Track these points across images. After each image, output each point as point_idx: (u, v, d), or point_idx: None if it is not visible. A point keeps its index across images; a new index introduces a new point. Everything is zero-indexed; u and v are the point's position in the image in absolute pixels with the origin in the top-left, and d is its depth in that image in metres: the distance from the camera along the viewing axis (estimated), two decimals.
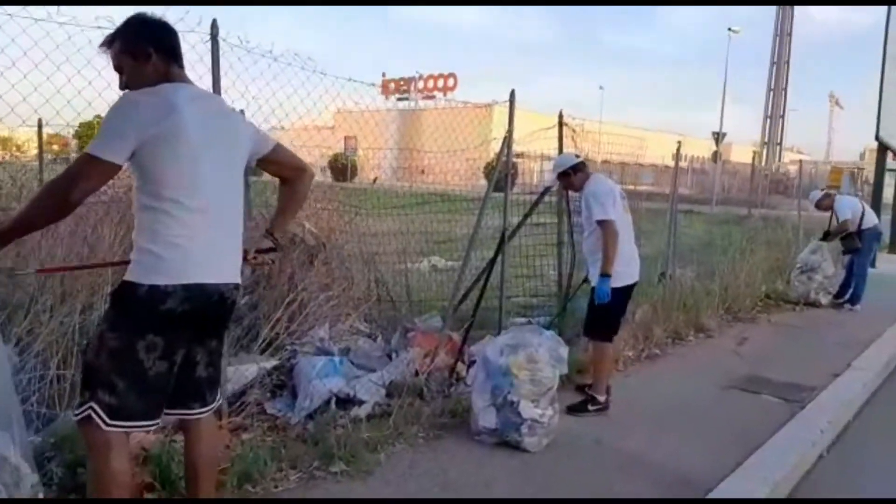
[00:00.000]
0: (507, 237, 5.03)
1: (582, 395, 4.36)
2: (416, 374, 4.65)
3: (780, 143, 50.55)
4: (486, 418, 3.57)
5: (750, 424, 4.14)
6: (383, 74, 64.12)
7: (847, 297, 8.06)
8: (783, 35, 49.64)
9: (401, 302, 6.26)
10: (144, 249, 2.08)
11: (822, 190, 8.78)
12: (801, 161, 16.92)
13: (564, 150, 5.29)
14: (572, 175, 4.25)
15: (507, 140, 4.86)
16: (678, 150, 6.58)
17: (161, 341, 2.09)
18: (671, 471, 3.46)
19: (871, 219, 7.94)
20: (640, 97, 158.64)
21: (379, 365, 5.07)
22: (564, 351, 3.67)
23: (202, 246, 2.12)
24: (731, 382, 4.99)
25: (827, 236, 8.24)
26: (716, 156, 29.93)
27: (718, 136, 30.23)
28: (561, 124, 5.20)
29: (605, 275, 3.98)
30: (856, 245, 7.94)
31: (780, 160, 46.74)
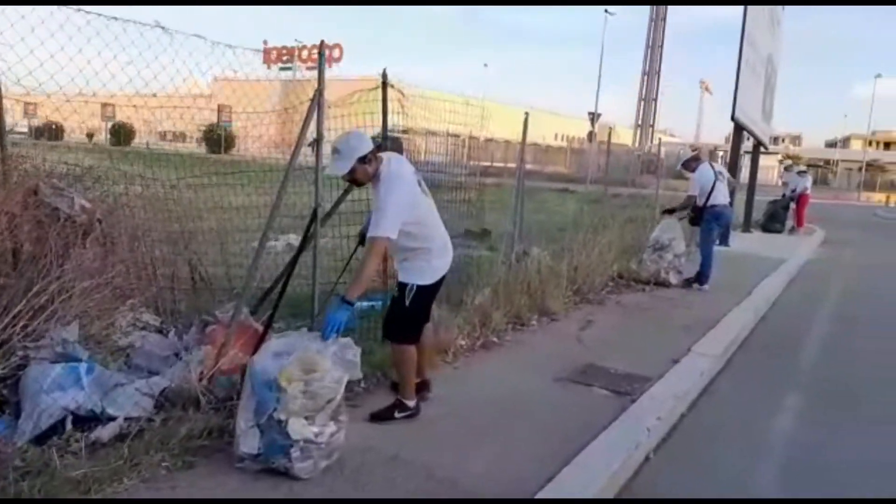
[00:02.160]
0: (318, 216, 4.31)
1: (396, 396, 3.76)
2: (201, 377, 3.90)
3: (653, 125, 52.74)
4: (248, 442, 2.86)
5: (576, 424, 3.70)
6: (265, 42, 61.21)
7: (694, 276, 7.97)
8: (657, 20, 51.55)
9: (222, 289, 5.46)
10: None
11: (694, 150, 8.56)
12: (660, 139, 17.25)
13: (391, 118, 4.63)
14: (369, 163, 3.33)
15: (318, 100, 4.12)
16: (525, 123, 6.07)
17: None
18: (478, 490, 2.91)
19: (717, 198, 7.78)
20: (528, 77, 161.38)
21: (164, 367, 4.27)
22: (353, 353, 3.01)
23: None
24: (566, 373, 4.56)
25: (672, 212, 8.11)
26: (590, 135, 30.52)
27: (594, 116, 30.82)
28: (385, 87, 4.51)
29: (347, 301, 3.14)
30: (696, 221, 7.86)
31: (652, 141, 48.70)
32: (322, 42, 4.14)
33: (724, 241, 12.22)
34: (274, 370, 2.86)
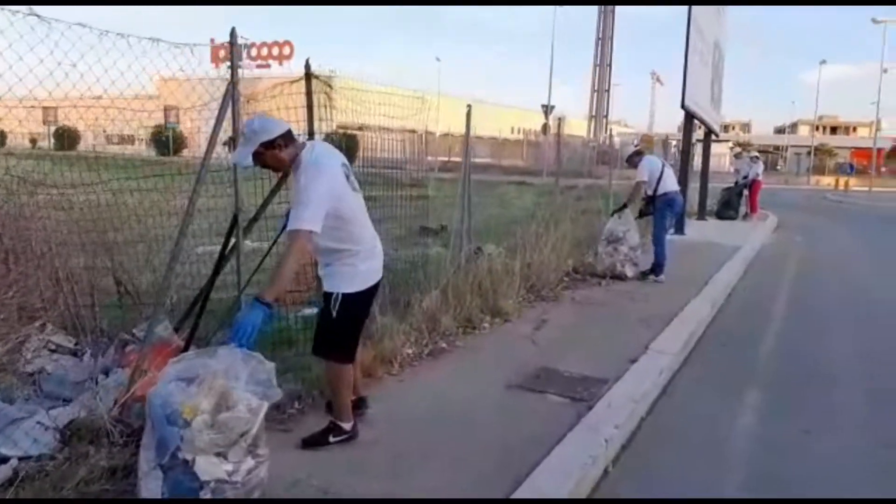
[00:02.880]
0: (239, 221, 3.93)
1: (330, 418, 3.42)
2: (114, 405, 3.52)
3: (607, 116, 53.02)
4: (150, 485, 2.48)
5: (529, 438, 3.41)
6: (212, 40, 59.56)
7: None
8: (606, 12, 51.78)
9: (151, 303, 5.02)
10: None
11: (636, 146, 8.38)
12: (610, 130, 17.19)
13: (317, 111, 4.27)
14: (279, 149, 2.97)
15: (232, 93, 3.75)
16: (468, 115, 5.77)
17: None
18: None
19: (667, 185, 7.63)
20: (486, 73, 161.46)
21: (77, 393, 3.86)
22: (267, 370, 2.64)
23: None
24: (519, 379, 4.28)
25: (624, 207, 7.90)
26: (545, 128, 30.47)
27: (547, 109, 30.77)
28: (308, 77, 4.14)
29: (263, 301, 2.71)
30: (648, 211, 7.70)
31: (606, 132, 49.00)
32: (233, 30, 3.76)
33: (679, 229, 12.17)
34: (176, 401, 2.49)
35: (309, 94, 4.12)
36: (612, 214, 7.92)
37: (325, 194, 2.90)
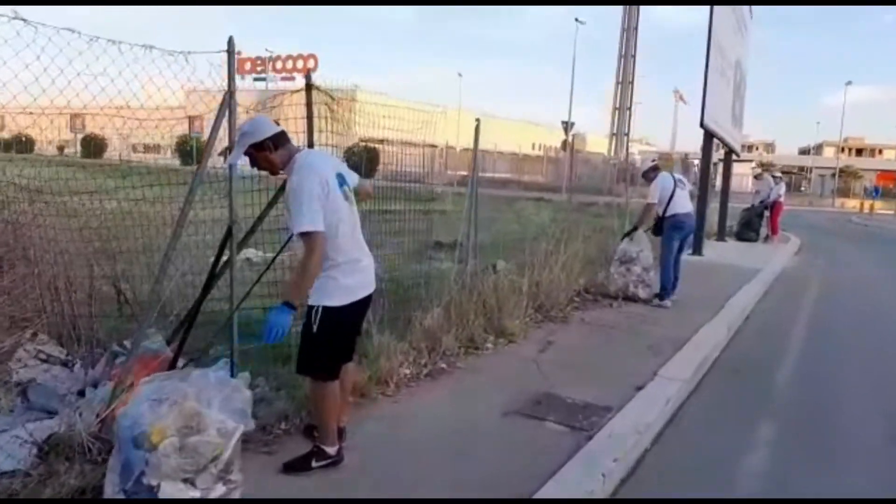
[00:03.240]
0: (233, 232, 3.82)
1: (313, 442, 3.28)
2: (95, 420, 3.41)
3: (628, 134, 52.68)
4: None
5: (523, 469, 3.24)
6: (238, 53, 60.33)
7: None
8: (629, 30, 51.57)
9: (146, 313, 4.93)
10: None
11: (653, 161, 8.08)
12: (626, 147, 17.00)
13: (317, 124, 4.17)
14: (269, 150, 2.95)
15: (229, 102, 3.65)
16: (477, 128, 5.63)
17: None
18: None
19: (676, 206, 7.33)
20: (505, 89, 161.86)
21: (64, 406, 3.77)
22: (242, 399, 2.53)
23: None
24: (518, 405, 4.11)
25: (634, 230, 7.67)
26: (565, 144, 30.28)
27: (568, 126, 30.61)
28: (309, 89, 4.05)
29: (290, 304, 2.78)
30: (658, 231, 7.49)
31: (627, 150, 48.57)
32: (231, 40, 3.68)
33: (697, 250, 11.93)
34: (146, 421, 2.37)
35: (309, 105, 4.02)
36: (623, 238, 7.70)
37: (315, 196, 2.82)
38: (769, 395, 4.97)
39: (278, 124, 3.15)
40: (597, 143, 50.83)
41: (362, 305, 3.13)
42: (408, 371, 4.48)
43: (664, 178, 7.42)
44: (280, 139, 2.96)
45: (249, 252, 6.60)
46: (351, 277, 3.02)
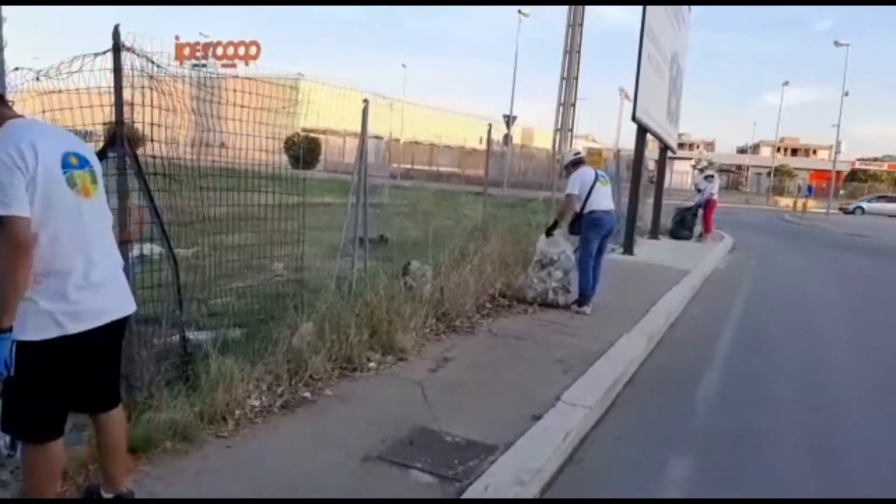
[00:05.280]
0: None
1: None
2: None
3: (572, 130, 52.78)
4: None
5: None
6: (177, 37, 57.88)
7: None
8: (574, 26, 51.64)
9: None
10: None
11: (577, 154, 7.29)
12: (555, 142, 16.54)
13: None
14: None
15: None
16: (365, 112, 4.84)
17: None
18: None
19: (594, 202, 6.65)
20: (457, 84, 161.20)
21: None
22: None
23: None
24: (385, 446, 3.37)
25: (555, 227, 6.92)
26: (506, 138, 29.78)
27: (509, 119, 30.09)
28: (117, 51, 3.19)
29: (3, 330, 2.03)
30: (575, 230, 6.85)
31: (571, 146, 48.51)
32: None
33: (628, 249, 11.45)
34: None
35: (118, 71, 3.17)
36: (547, 234, 6.99)
37: (17, 170, 2.03)
38: (687, 419, 4.38)
39: None
40: (545, 138, 50.54)
41: (98, 337, 2.29)
42: (257, 403, 3.69)
43: (584, 172, 6.79)
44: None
45: (146, 246, 5.66)
46: (57, 303, 2.16)
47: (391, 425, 3.62)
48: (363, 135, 4.82)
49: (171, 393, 3.41)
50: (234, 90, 4.34)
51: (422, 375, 4.49)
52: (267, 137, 4.45)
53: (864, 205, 43.18)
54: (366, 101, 4.83)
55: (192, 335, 4.05)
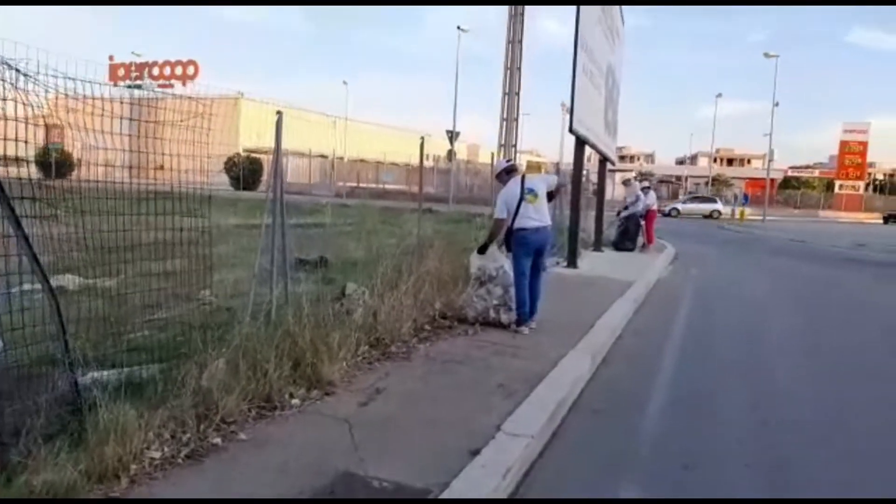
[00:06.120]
0: None
1: None
2: None
3: (515, 145, 53.18)
4: None
5: None
6: (110, 57, 56.04)
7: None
8: (514, 42, 52.24)
9: None
10: None
11: (509, 161, 6.86)
12: (492, 155, 16.48)
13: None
14: None
15: None
16: (278, 128, 4.46)
17: None
18: None
19: (525, 218, 6.29)
20: (404, 99, 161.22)
21: None
22: None
23: None
24: (302, 497, 2.98)
25: (486, 247, 6.57)
26: (450, 154, 29.72)
27: (452, 135, 30.03)
28: None
29: None
30: (508, 246, 6.57)
31: (516, 161, 48.83)
32: None
33: (571, 262, 11.31)
34: None
35: None
36: (480, 252, 6.69)
37: None
38: (636, 445, 4.11)
39: None
40: (487, 153, 50.67)
41: None
42: (157, 454, 3.25)
43: (510, 190, 6.45)
44: None
45: (67, 277, 5.12)
46: None
47: (310, 473, 3.23)
48: (277, 151, 4.45)
49: (50, 449, 2.95)
50: (165, 108, 4.10)
51: (350, 411, 4.11)
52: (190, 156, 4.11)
53: (680, 206, 43.39)
54: (279, 112, 4.47)
55: (93, 376, 3.62)
